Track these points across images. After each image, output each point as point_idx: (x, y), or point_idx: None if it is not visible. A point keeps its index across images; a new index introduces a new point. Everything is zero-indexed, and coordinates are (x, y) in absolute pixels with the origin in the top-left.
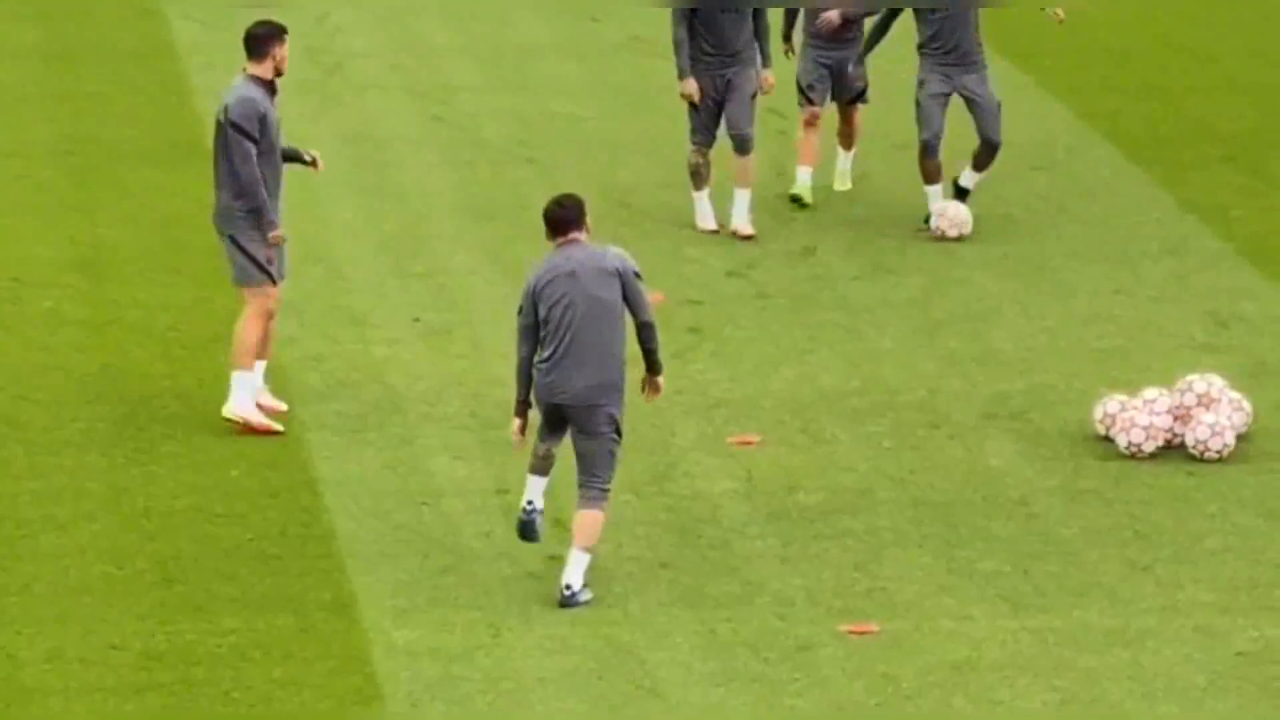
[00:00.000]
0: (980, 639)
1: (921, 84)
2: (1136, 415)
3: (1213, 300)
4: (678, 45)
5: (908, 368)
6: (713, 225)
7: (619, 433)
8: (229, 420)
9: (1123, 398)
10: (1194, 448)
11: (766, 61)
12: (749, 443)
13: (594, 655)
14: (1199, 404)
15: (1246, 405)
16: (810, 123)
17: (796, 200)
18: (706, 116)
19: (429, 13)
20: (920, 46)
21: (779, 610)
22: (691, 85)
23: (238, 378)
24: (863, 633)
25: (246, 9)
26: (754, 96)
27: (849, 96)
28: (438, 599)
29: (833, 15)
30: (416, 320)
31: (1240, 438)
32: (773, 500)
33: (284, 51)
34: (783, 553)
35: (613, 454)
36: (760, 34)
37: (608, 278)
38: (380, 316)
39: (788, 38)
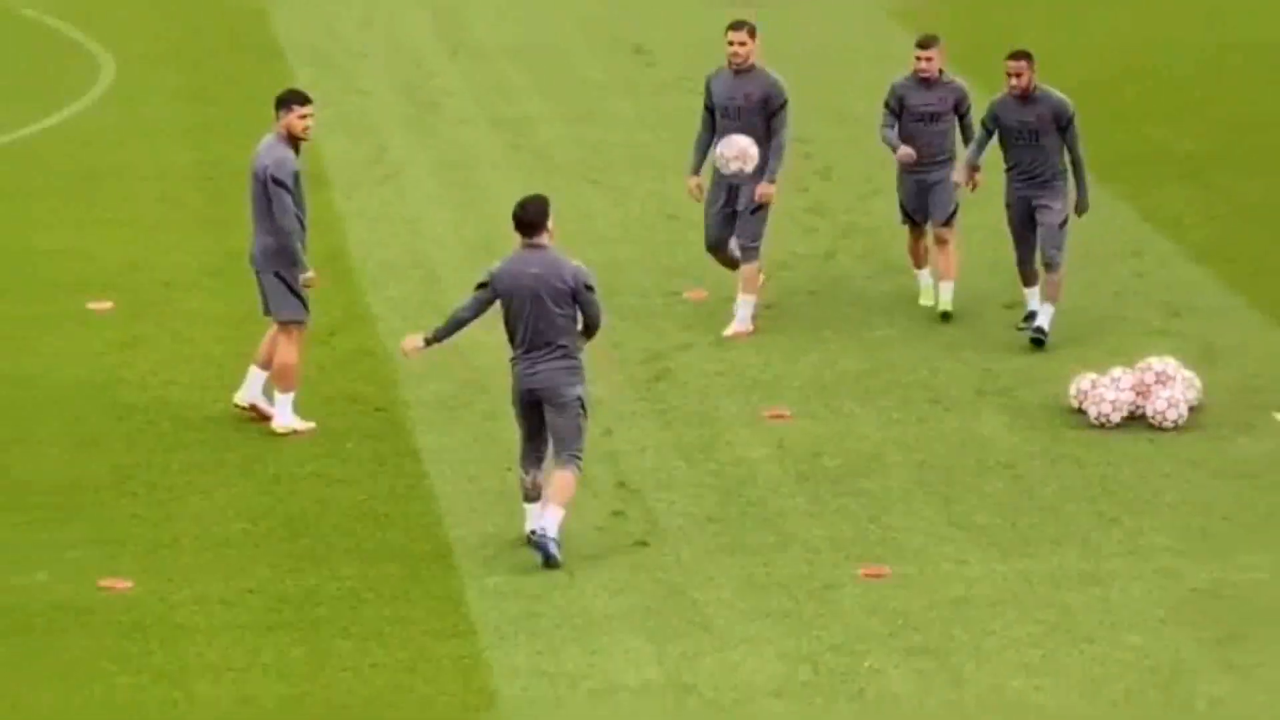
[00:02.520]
0: (975, 579)
1: (1009, 205)
2: (1105, 391)
3: (1168, 294)
4: (695, 141)
5: (913, 352)
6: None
7: (584, 409)
8: (280, 432)
9: (1093, 376)
10: (1153, 418)
11: (770, 175)
12: (781, 417)
13: (651, 595)
14: (1157, 381)
15: (1197, 382)
16: (918, 240)
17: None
18: (711, 221)
19: (507, 58)
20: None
21: (806, 557)
22: (688, 183)
23: (285, 399)
24: (877, 575)
25: (359, 58)
26: (756, 210)
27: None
28: (520, 548)
29: (909, 151)
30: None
31: (1192, 409)
32: (801, 464)
33: (291, 118)
34: (809, 509)
35: (580, 427)
36: (772, 149)
37: (563, 292)
38: None
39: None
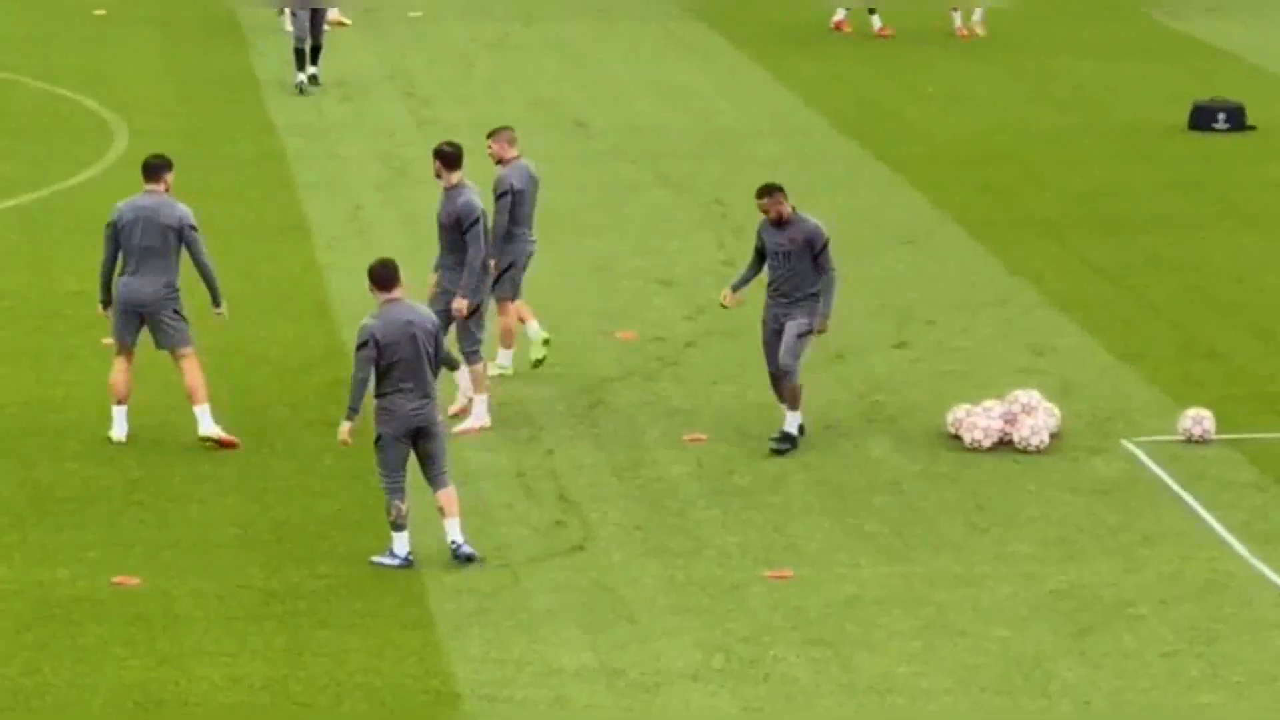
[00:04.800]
0: (865, 581)
1: (764, 323)
2: (977, 419)
3: (1032, 337)
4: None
5: (812, 386)
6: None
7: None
8: (208, 439)
9: (967, 406)
10: (1019, 443)
11: (462, 290)
12: (698, 440)
13: (586, 593)
14: (1023, 411)
15: (1057, 412)
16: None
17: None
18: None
19: (467, 130)
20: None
21: (720, 560)
22: (429, 278)
23: (206, 409)
24: (780, 577)
25: (339, 130)
26: (465, 320)
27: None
28: (475, 550)
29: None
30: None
31: (1052, 436)
32: (716, 481)
33: (172, 177)
34: (723, 519)
35: (445, 445)
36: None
37: (430, 332)
38: None
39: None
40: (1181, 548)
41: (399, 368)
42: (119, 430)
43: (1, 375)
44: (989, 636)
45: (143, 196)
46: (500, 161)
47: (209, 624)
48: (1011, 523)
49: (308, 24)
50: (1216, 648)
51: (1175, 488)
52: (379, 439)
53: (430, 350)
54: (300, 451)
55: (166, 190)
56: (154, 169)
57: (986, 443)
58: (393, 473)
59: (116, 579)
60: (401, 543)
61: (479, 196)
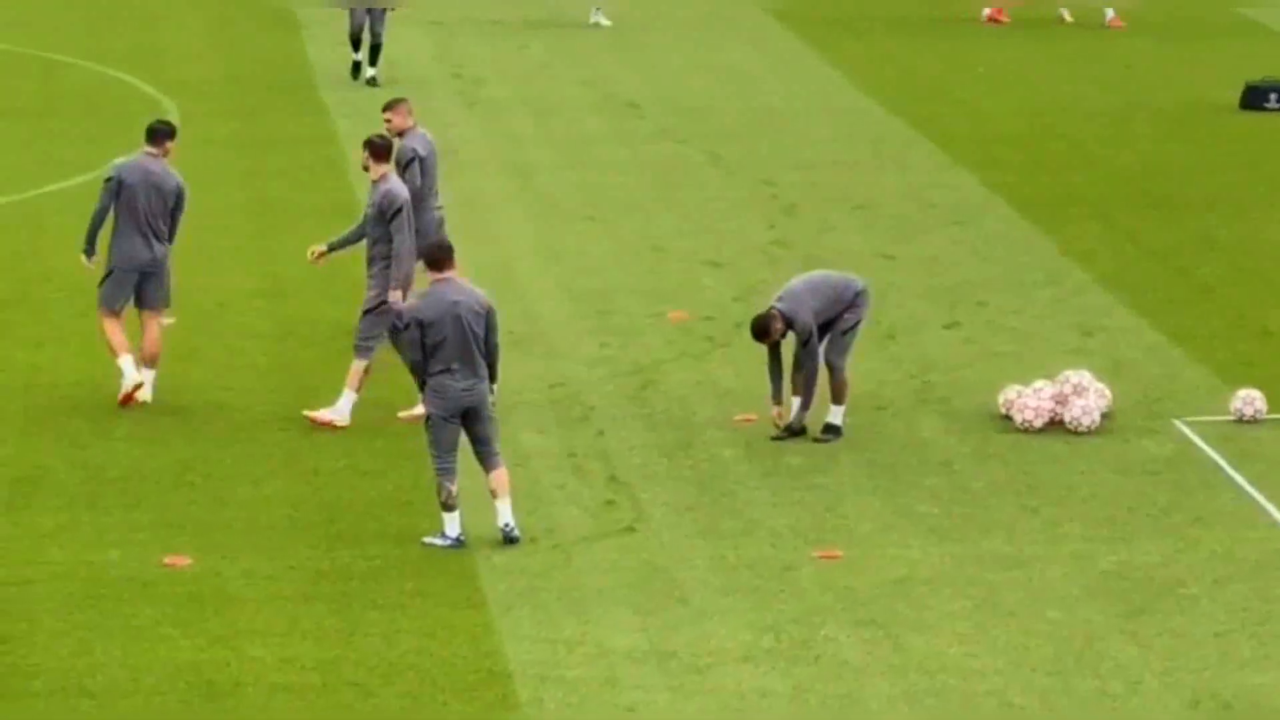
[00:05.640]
0: (915, 561)
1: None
2: (1028, 399)
3: (1082, 317)
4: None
5: (863, 366)
6: None
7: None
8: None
9: (1018, 387)
10: (1070, 423)
11: (395, 283)
12: (749, 420)
13: (637, 573)
14: (1073, 392)
15: (1107, 393)
16: None
17: None
18: None
19: (517, 112)
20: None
21: (770, 541)
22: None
23: (153, 375)
24: (831, 557)
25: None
26: (367, 312)
27: None
28: (525, 532)
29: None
30: (509, 332)
31: (1103, 416)
32: (766, 462)
33: (173, 145)
34: (773, 499)
35: (498, 426)
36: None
37: (478, 314)
38: None
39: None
40: (1233, 528)
41: (444, 348)
42: (131, 375)
43: (52, 356)
44: (1040, 617)
45: (146, 160)
46: (400, 134)
47: (260, 604)
48: (1062, 503)
49: (365, 19)
50: (1269, 628)
51: (1226, 468)
52: (429, 419)
53: (478, 330)
54: (350, 432)
55: (165, 156)
56: (160, 134)
57: (1037, 423)
58: (444, 454)
59: (168, 559)
60: (452, 523)
61: (405, 189)
